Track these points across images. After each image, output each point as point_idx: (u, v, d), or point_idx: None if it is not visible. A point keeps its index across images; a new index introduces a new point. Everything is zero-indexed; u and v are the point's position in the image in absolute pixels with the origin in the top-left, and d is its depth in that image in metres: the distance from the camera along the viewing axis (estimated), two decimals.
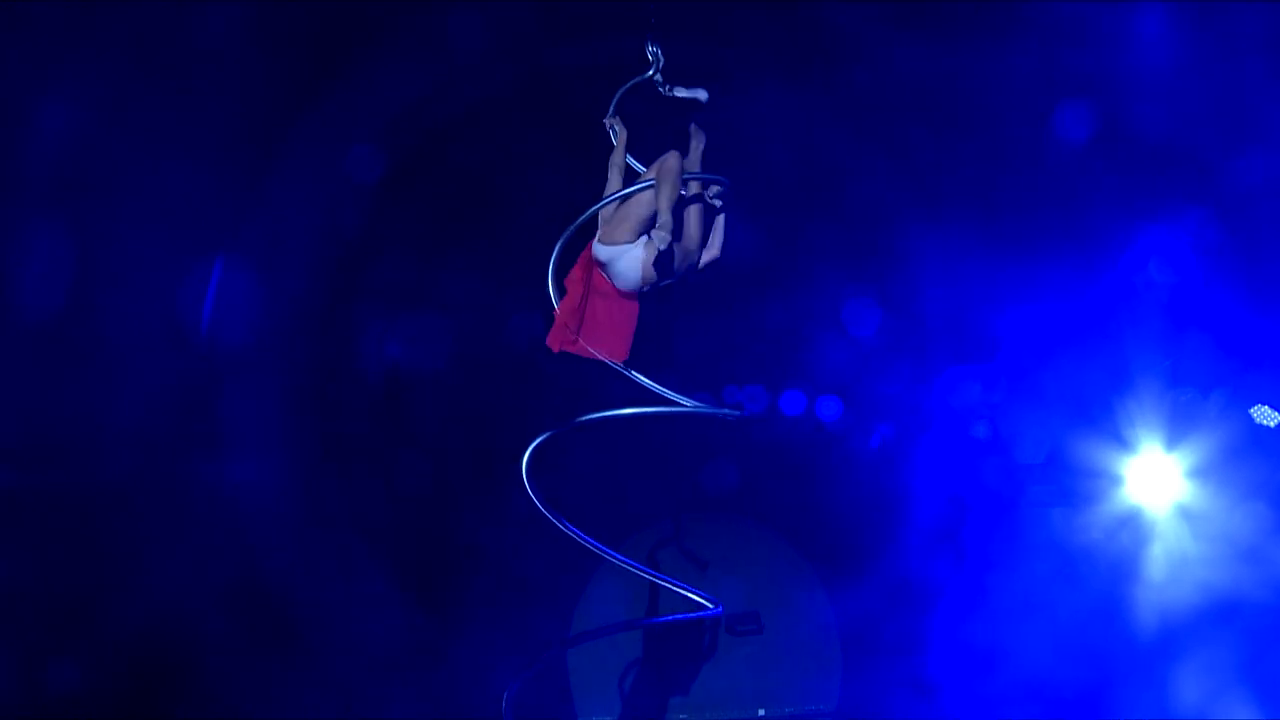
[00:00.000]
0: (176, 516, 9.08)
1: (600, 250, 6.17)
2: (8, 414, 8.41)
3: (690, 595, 7.24)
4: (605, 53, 8.50)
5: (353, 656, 9.47)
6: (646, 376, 6.66)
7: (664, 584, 7.16)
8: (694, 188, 6.33)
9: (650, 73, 6.62)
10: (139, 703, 9.07)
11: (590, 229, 6.33)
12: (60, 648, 8.81)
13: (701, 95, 6.63)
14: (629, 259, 6.12)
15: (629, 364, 6.49)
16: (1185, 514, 9.19)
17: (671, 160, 6.02)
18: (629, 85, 6.64)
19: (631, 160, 6.60)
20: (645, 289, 6.22)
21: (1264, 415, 8.87)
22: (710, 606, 7.17)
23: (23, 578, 8.70)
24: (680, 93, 6.65)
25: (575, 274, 6.33)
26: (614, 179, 6.44)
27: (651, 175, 6.06)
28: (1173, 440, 9.22)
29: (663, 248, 5.95)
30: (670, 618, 7.36)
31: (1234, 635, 8.70)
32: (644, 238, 6.14)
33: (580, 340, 6.24)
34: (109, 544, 8.94)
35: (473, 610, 9.75)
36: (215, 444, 9.20)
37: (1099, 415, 9.39)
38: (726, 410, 6.95)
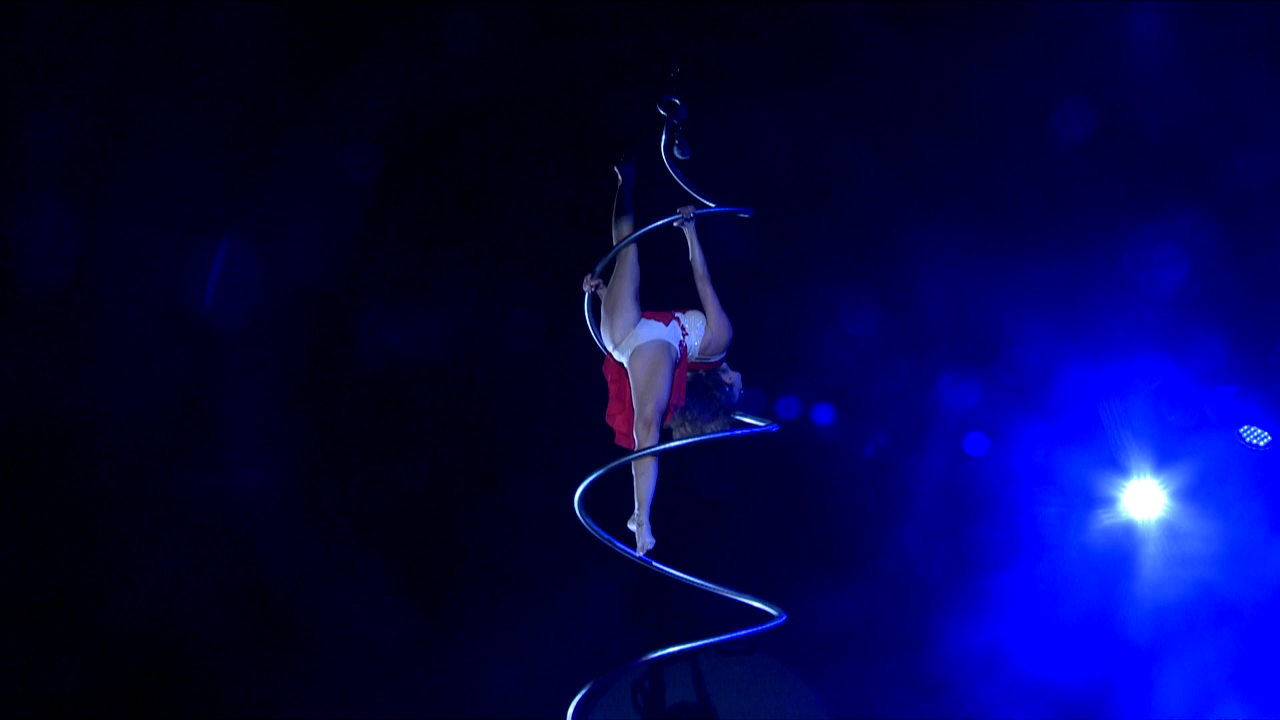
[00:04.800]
0: (175, 515, 9.11)
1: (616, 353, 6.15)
2: (7, 410, 8.46)
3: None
4: (604, 52, 8.56)
5: (352, 656, 9.48)
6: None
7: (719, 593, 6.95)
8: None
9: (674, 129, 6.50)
10: (139, 703, 9.09)
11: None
12: (60, 648, 8.83)
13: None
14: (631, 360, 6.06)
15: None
16: (1174, 533, 9.20)
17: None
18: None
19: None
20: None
21: (1254, 435, 8.86)
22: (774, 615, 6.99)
23: (22, 577, 8.73)
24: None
25: (610, 371, 6.24)
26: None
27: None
28: (1162, 460, 9.22)
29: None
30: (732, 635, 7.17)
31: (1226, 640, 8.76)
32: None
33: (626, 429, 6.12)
34: (109, 543, 8.97)
35: (471, 611, 9.76)
36: (214, 443, 9.22)
37: (1096, 421, 9.39)
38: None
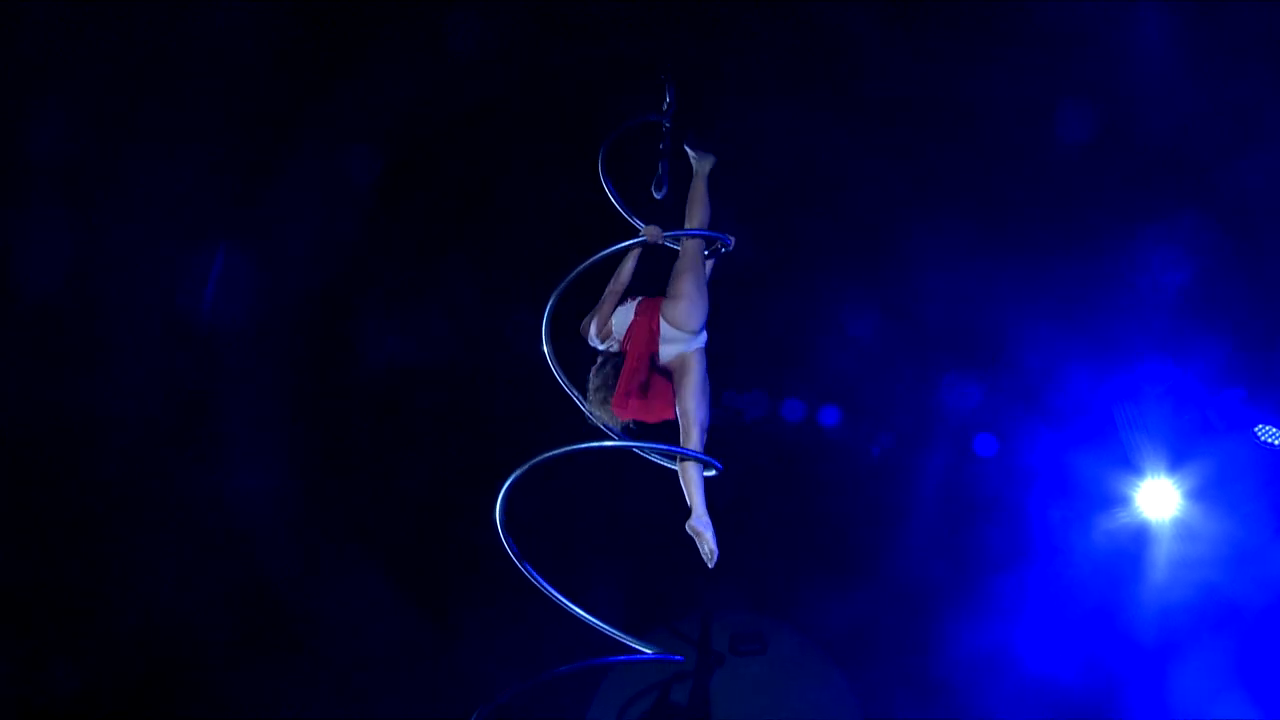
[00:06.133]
0: (177, 517, 9.12)
1: (670, 332, 6.03)
2: (7, 409, 8.47)
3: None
4: (605, 54, 8.55)
5: (353, 658, 9.50)
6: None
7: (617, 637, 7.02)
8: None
9: (665, 111, 6.54)
10: (140, 704, 9.11)
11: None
12: (62, 649, 8.85)
13: (707, 163, 6.48)
14: (688, 361, 6.00)
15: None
16: (1187, 533, 9.19)
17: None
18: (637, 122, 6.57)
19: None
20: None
21: (1269, 434, 8.84)
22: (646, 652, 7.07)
23: (25, 579, 8.74)
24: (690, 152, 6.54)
25: (637, 334, 6.07)
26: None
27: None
28: (1176, 460, 9.20)
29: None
30: (631, 656, 7.27)
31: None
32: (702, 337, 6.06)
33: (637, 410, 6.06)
34: (111, 545, 8.99)
35: (472, 612, 9.76)
36: (216, 445, 9.23)
37: (1102, 422, 9.39)
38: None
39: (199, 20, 8.04)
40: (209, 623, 9.15)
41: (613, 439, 6.20)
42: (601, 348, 6.15)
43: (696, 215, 6.27)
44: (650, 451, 6.19)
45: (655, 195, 6.49)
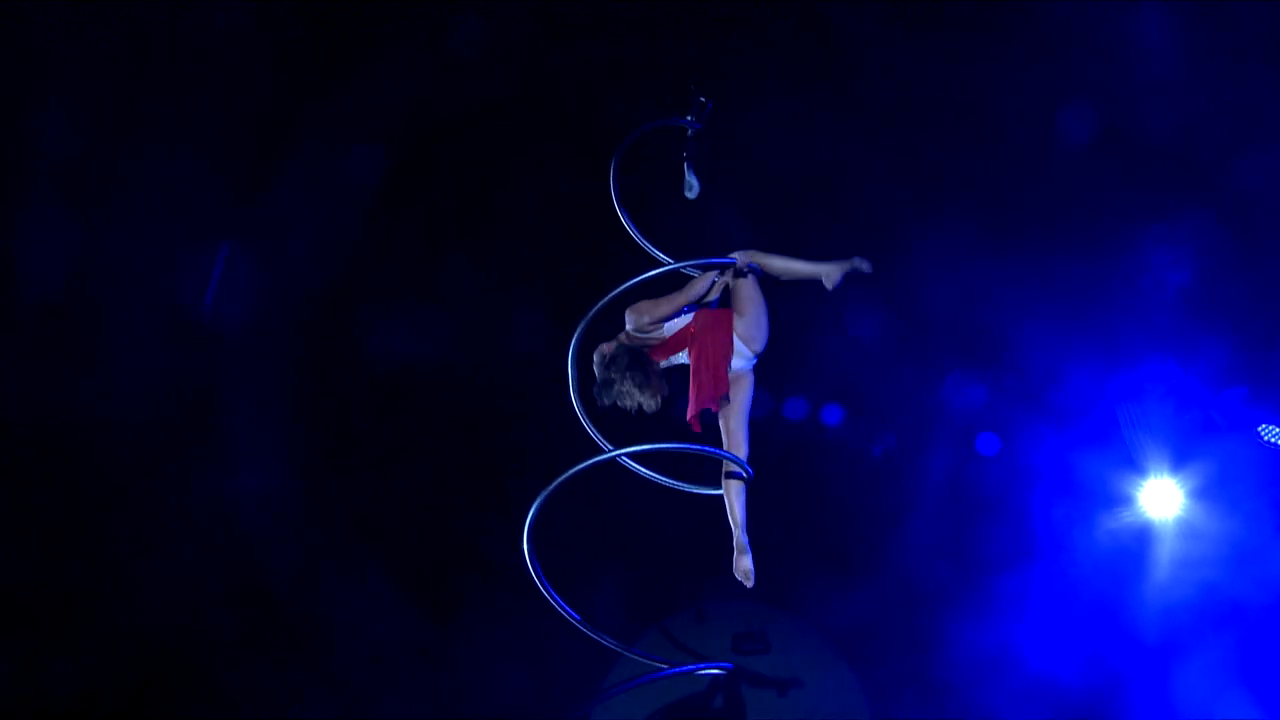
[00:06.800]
0: (176, 516, 9.11)
1: (741, 348, 6.08)
2: (9, 408, 8.47)
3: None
4: (604, 54, 8.56)
5: (352, 657, 9.48)
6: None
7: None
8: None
9: (689, 119, 6.54)
10: (143, 704, 9.10)
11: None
12: (65, 649, 8.85)
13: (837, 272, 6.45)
14: (743, 380, 6.10)
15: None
16: (1189, 532, 9.18)
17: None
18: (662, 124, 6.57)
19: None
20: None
21: (1271, 433, 8.84)
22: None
23: (29, 579, 8.74)
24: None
25: (712, 341, 6.06)
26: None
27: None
28: (1178, 459, 9.19)
29: None
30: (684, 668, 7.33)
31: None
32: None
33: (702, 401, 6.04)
34: (114, 545, 8.98)
35: (475, 612, 9.75)
36: (215, 444, 9.22)
37: (1104, 423, 9.38)
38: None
39: (199, 20, 8.05)
40: (209, 623, 9.14)
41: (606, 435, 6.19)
42: (641, 334, 6.09)
43: (781, 262, 6.29)
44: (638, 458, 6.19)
45: (688, 195, 6.49)
